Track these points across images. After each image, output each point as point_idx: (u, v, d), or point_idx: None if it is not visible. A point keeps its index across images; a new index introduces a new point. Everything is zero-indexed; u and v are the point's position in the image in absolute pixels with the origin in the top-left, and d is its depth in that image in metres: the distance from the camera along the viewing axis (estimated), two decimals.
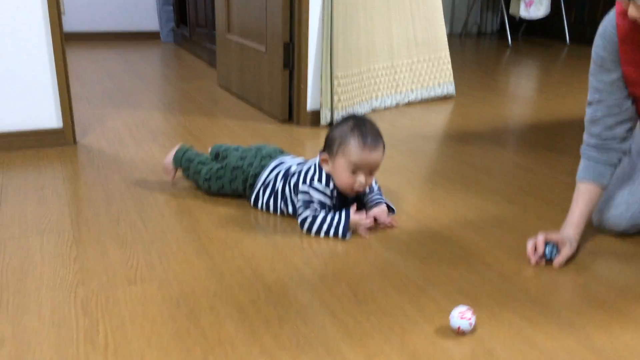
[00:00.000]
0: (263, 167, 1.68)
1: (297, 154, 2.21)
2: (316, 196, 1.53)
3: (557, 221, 1.53)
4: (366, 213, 1.55)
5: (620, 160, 1.48)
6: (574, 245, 1.45)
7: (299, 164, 1.67)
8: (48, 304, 1.22)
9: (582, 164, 1.51)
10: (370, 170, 1.51)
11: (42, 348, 1.08)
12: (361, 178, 1.50)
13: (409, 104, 3.05)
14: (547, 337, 1.13)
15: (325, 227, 1.51)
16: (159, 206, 1.73)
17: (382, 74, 2.86)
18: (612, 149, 1.47)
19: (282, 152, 1.76)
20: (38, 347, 1.08)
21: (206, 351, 1.07)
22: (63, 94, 2.19)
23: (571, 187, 1.54)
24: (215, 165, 1.77)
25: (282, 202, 1.64)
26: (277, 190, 1.64)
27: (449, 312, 1.20)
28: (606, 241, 1.55)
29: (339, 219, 1.51)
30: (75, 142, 2.29)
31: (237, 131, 2.52)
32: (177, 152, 1.86)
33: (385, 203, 1.62)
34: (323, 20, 2.46)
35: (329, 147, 1.53)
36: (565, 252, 1.41)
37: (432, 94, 3.12)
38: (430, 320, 1.18)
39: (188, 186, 1.89)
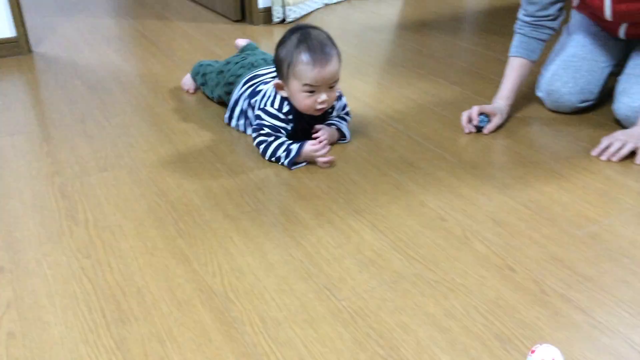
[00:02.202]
0: (238, 77, 1.58)
1: None
2: (268, 121, 1.43)
3: (493, 95, 1.68)
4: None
5: (549, 37, 1.61)
6: (505, 115, 1.61)
7: (269, 81, 1.52)
8: (28, 191, 1.34)
9: (515, 39, 1.64)
10: (328, 85, 1.37)
11: (29, 226, 1.21)
12: (321, 96, 1.37)
13: None
14: (470, 188, 1.31)
15: (277, 154, 1.41)
16: (121, 105, 1.82)
17: None
18: (544, 26, 1.59)
19: (269, 62, 1.62)
20: (25, 226, 1.21)
21: (176, 219, 1.23)
22: (13, 3, 2.18)
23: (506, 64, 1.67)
24: (217, 66, 1.71)
25: (248, 124, 1.55)
26: (243, 110, 1.55)
27: (390, 174, 1.37)
28: (534, 110, 1.72)
29: (289, 150, 1.40)
30: (30, 50, 2.30)
31: (192, 33, 2.55)
32: (193, 68, 1.83)
33: (338, 127, 1.51)
34: None
35: (279, 71, 1.40)
36: (496, 121, 1.58)
37: None
38: (372, 182, 1.35)
39: (147, 86, 1.96)
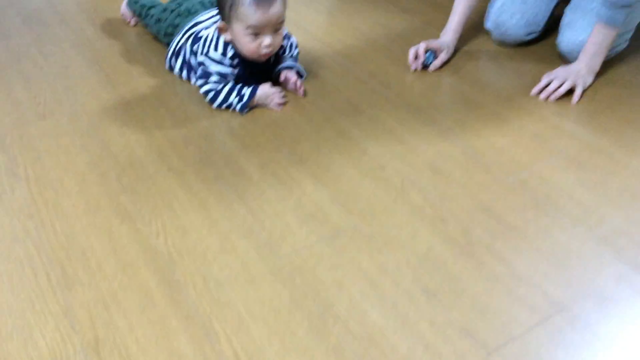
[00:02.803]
0: (176, 27, 1.53)
1: None
2: (213, 67, 1.38)
3: (442, 25, 1.65)
4: (275, 81, 1.45)
5: None
6: (451, 50, 1.61)
7: (210, 26, 1.47)
8: None
9: None
10: (273, 28, 1.34)
11: None
12: (266, 40, 1.33)
13: None
14: (412, 133, 1.34)
15: (229, 100, 1.39)
16: (59, 40, 1.74)
17: None
18: None
19: (207, 5, 1.56)
20: None
21: (119, 174, 1.23)
22: None
23: None
24: (154, 11, 1.65)
25: (193, 73, 1.50)
26: (185, 59, 1.50)
27: (334, 120, 1.39)
28: (482, 42, 1.71)
29: (242, 95, 1.38)
30: None
31: None
32: None
33: (296, 68, 1.49)
34: None
35: (222, 12, 1.34)
36: (442, 57, 1.58)
37: None
38: (316, 128, 1.36)
39: (86, 16, 1.87)
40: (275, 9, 1.31)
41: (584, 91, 1.45)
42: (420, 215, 1.12)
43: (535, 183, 1.19)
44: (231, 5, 1.30)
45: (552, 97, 1.44)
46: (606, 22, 1.41)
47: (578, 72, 1.46)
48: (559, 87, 1.44)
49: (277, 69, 1.48)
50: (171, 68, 1.56)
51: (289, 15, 1.44)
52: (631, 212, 1.12)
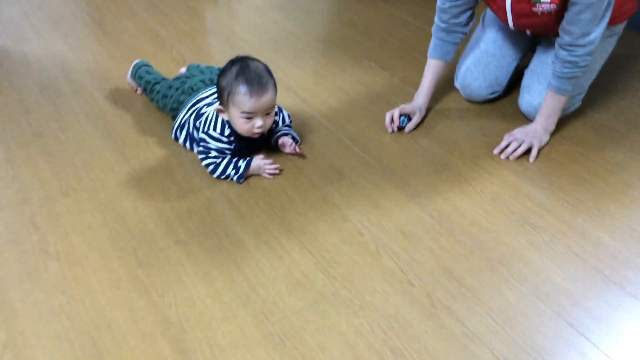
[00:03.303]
0: (181, 103, 1.74)
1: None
2: (213, 144, 1.59)
3: (418, 82, 1.84)
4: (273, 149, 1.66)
5: (461, 40, 1.78)
6: (423, 111, 1.81)
7: (211, 103, 1.67)
8: (2, 223, 1.52)
9: (433, 42, 1.80)
10: (265, 113, 1.54)
11: (8, 263, 1.41)
12: (258, 122, 1.53)
13: None
14: (387, 198, 1.53)
15: (227, 172, 1.59)
16: (74, 111, 1.95)
17: None
18: (457, 31, 1.75)
19: (209, 84, 1.75)
20: (5, 263, 1.41)
21: (135, 248, 1.43)
22: None
23: None
24: (159, 87, 1.85)
25: (195, 144, 1.69)
26: (189, 132, 1.70)
27: (320, 186, 1.58)
28: (452, 99, 1.91)
29: (238, 167, 1.59)
30: None
31: (137, 10, 2.60)
32: (132, 69, 1.98)
33: (290, 135, 1.69)
34: None
35: (220, 98, 1.55)
36: (415, 120, 1.77)
37: None
38: (303, 195, 1.56)
39: (97, 84, 2.08)
40: (266, 98, 1.52)
41: (540, 149, 1.65)
42: (392, 279, 1.31)
43: (491, 245, 1.38)
44: (229, 94, 1.52)
45: (511, 157, 1.63)
46: (556, 91, 1.60)
47: (535, 133, 1.65)
48: (518, 147, 1.63)
49: (274, 138, 1.70)
50: (176, 138, 1.77)
51: (278, 76, 1.62)
52: (571, 270, 1.31)
